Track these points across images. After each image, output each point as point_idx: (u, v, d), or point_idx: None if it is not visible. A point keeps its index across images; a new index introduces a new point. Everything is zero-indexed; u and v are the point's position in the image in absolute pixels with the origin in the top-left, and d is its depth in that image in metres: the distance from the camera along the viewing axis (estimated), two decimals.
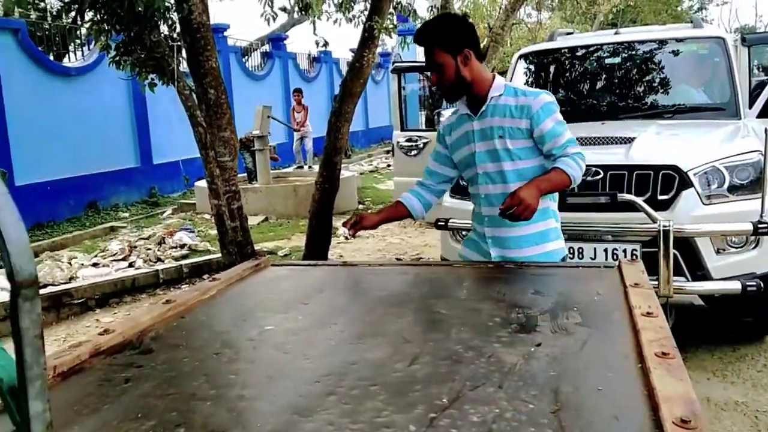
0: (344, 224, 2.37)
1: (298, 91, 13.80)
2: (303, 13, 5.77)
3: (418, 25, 7.71)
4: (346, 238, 2.36)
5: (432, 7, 7.30)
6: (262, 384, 1.23)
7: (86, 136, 9.84)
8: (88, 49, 10.45)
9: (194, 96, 4.45)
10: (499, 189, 2.27)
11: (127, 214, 9.93)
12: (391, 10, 5.37)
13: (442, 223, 3.70)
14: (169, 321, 1.60)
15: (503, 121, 2.24)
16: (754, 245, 3.32)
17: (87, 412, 1.11)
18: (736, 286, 3.22)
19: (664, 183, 3.33)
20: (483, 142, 2.28)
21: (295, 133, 14.06)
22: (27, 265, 0.34)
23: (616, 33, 5.15)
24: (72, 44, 10.84)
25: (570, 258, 3.42)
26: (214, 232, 6.60)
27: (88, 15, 4.44)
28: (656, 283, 3.15)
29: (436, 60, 2.23)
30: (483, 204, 2.34)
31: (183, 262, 6.32)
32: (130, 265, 6.45)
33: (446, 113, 4.87)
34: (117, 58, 4.60)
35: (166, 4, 4.04)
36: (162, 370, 1.29)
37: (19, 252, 0.34)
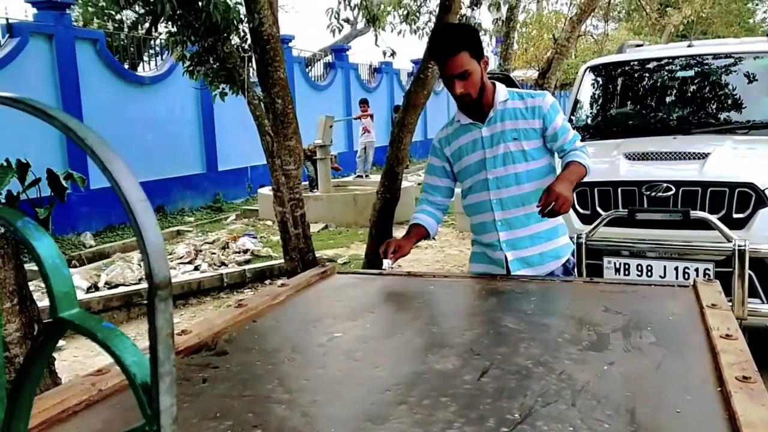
0: (385, 255, 2.29)
1: (365, 102, 14.14)
2: (370, 24, 5.85)
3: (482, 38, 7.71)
4: (391, 267, 2.28)
5: (497, 19, 7.27)
6: (333, 390, 1.25)
7: (156, 143, 10.21)
8: (162, 59, 10.87)
9: (262, 105, 4.57)
10: (513, 191, 2.32)
11: (192, 219, 10.24)
12: (456, 22, 5.38)
13: None
14: (241, 324, 1.64)
15: (516, 124, 2.31)
16: None
17: None
18: None
19: (740, 201, 3.21)
20: (494, 147, 2.31)
21: (359, 142, 14.27)
22: (163, 267, 0.37)
23: (689, 46, 5.00)
24: (146, 54, 11.31)
25: (638, 276, 3.34)
26: (275, 238, 6.74)
27: (163, 26, 4.63)
28: (730, 304, 3.03)
29: (465, 66, 2.18)
30: (496, 209, 2.34)
31: (246, 266, 6.46)
32: (196, 269, 6.65)
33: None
34: (191, 68, 4.77)
35: (239, 16, 4.17)
36: (237, 371, 1.33)
37: (157, 255, 0.36)
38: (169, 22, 4.54)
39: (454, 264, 6.85)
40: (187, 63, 4.77)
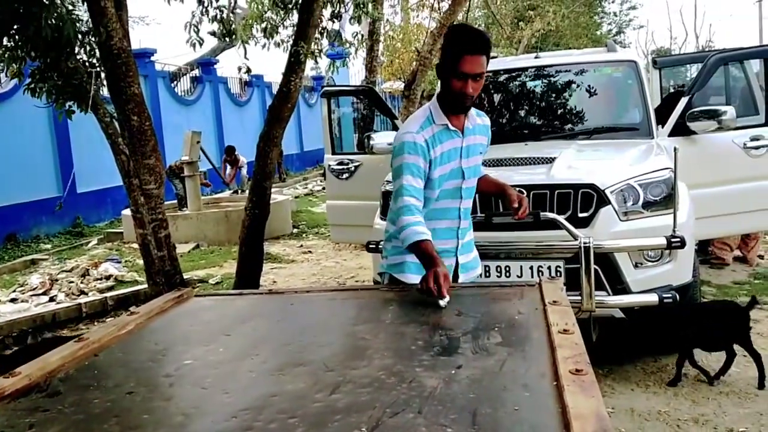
0: (439, 293, 1.89)
1: (230, 150, 13.30)
2: (227, 39, 5.73)
3: (347, 49, 7.77)
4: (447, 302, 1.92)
5: (358, 32, 7.38)
6: (177, 423, 1.19)
7: (3, 166, 9.40)
8: (6, 76, 10.03)
9: (116, 123, 4.33)
10: (469, 203, 2.48)
11: (49, 246, 9.51)
12: (318, 35, 5.40)
13: (374, 246, 3.71)
14: (80, 360, 1.53)
15: (481, 139, 2.46)
16: (669, 259, 3.47)
17: None
18: (653, 298, 3.36)
19: (584, 201, 3.45)
20: (469, 158, 2.39)
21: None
22: None
23: (536, 57, 5.33)
24: None
25: (498, 276, 3.50)
26: (142, 261, 6.40)
27: (3, 41, 4.26)
28: (579, 298, 3.25)
29: (483, 68, 2.24)
30: (463, 217, 2.45)
31: (108, 294, 6.08)
32: (51, 300, 6.16)
33: (376, 137, 4.91)
34: (32, 86, 4.43)
35: (83, 29, 3.93)
36: (70, 413, 1.23)
37: None
38: (5, 37, 4.19)
39: (331, 276, 6.84)
40: (27, 80, 4.42)
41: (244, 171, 13.51)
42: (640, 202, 3.49)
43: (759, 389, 3.41)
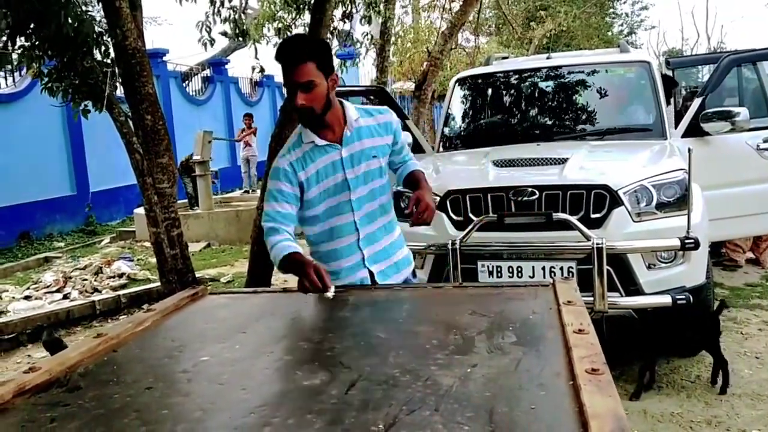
0: (324, 285, 1.95)
1: (248, 116, 13.94)
2: (239, 39, 5.76)
3: (359, 50, 7.78)
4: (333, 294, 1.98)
5: (368, 33, 7.39)
6: (195, 418, 1.20)
7: (18, 165, 9.49)
8: (20, 75, 10.12)
9: (130, 122, 4.36)
10: (372, 207, 2.31)
11: (62, 244, 9.59)
12: (329, 35, 5.41)
13: None
14: (99, 356, 1.55)
15: (374, 141, 2.28)
16: (682, 260, 3.46)
17: None
18: (666, 299, 3.35)
19: (597, 202, 3.44)
20: (355, 167, 2.24)
21: (240, 156, 14.02)
22: None
23: (548, 58, 5.33)
24: (2, 70, 10.48)
25: (510, 277, 3.50)
26: (154, 260, 6.44)
27: (20, 41, 4.31)
28: (592, 299, 3.24)
29: (310, 76, 2.07)
30: (360, 227, 2.28)
31: (121, 292, 6.12)
32: (65, 297, 6.21)
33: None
34: (49, 85, 4.47)
35: (98, 29, 3.96)
36: (90, 407, 1.24)
37: None
38: (23, 37, 4.24)
39: None
40: (45, 79, 4.47)
41: (254, 170, 13.59)
42: (654, 203, 3.48)
43: (720, 394, 3.38)
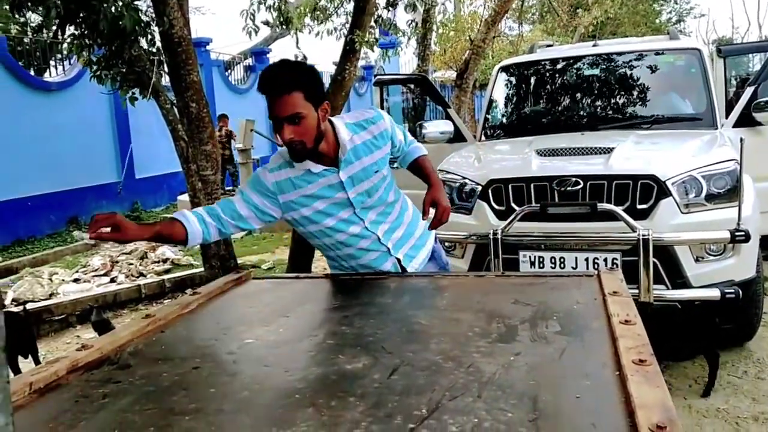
0: (92, 228, 1.87)
1: None
2: (284, 27, 5.80)
3: (400, 39, 7.75)
4: (92, 244, 2.00)
5: (412, 20, 7.35)
6: (241, 398, 1.22)
7: (67, 151, 9.77)
8: (69, 64, 10.40)
9: (175, 110, 4.45)
10: (382, 208, 2.26)
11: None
12: (372, 23, 5.40)
13: None
14: (148, 336, 1.59)
15: (373, 157, 2.18)
16: (731, 253, 3.36)
17: (63, 429, 1.10)
18: (714, 293, 3.26)
19: (643, 192, 3.37)
20: (357, 186, 2.15)
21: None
22: None
23: (594, 45, 5.22)
24: (53, 59, 10.79)
25: (552, 267, 3.45)
26: (198, 246, 6.56)
27: (69, 30, 4.43)
28: (637, 291, 3.18)
29: (297, 108, 1.93)
30: (375, 229, 2.23)
31: (165, 276, 6.27)
32: (112, 281, 6.40)
33: (429, 126, 4.90)
34: (98, 73, 4.59)
35: (145, 18, 4.04)
36: (140, 385, 1.28)
37: None
38: (73, 26, 4.35)
39: None
40: (95, 67, 4.58)
41: None
42: (703, 194, 3.38)
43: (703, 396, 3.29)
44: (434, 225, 2.19)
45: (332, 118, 2.13)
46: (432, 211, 2.22)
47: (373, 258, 2.29)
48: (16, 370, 3.43)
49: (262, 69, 14.09)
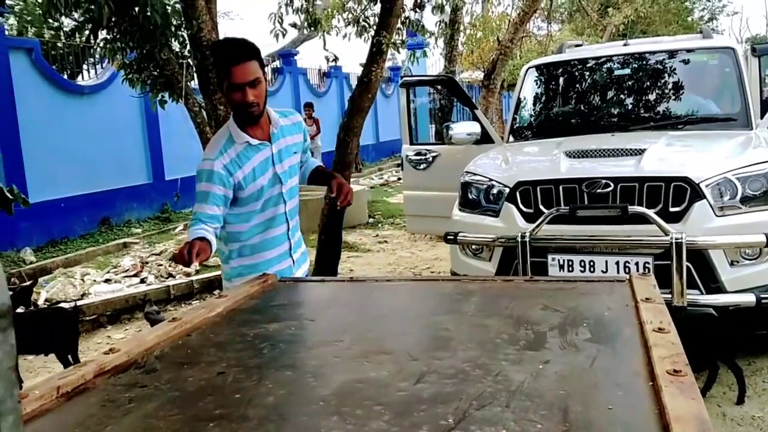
0: (188, 259, 2.07)
1: (309, 106, 14.01)
2: (312, 29, 5.81)
3: (428, 40, 7.72)
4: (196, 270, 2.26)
5: (441, 21, 7.31)
6: (268, 403, 1.21)
7: (99, 154, 9.92)
8: (102, 68, 10.57)
9: (204, 113, 4.48)
10: (295, 201, 2.53)
11: (139, 230, 9.99)
12: (399, 25, 5.39)
13: (452, 237, 3.68)
14: (174, 339, 1.59)
15: (293, 139, 2.48)
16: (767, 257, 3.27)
17: None
18: (750, 298, 3.17)
19: (676, 195, 3.29)
20: (283, 162, 2.41)
21: None
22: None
23: (625, 44, 5.13)
24: (86, 63, 10.98)
25: (581, 271, 3.40)
26: None
27: (102, 34, 4.50)
28: (669, 296, 3.11)
29: (257, 74, 2.22)
30: (290, 218, 2.48)
31: (194, 277, 6.33)
32: (142, 281, 6.48)
33: (456, 127, 4.86)
34: (130, 76, 4.65)
35: (176, 22, 4.08)
36: (166, 389, 1.28)
37: None
38: (106, 30, 4.42)
39: (406, 266, 6.86)
40: (127, 71, 4.65)
41: (319, 160, 13.77)
42: (738, 197, 3.30)
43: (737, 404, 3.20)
44: (342, 203, 2.40)
45: None
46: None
47: (275, 254, 2.45)
48: (67, 364, 3.53)
49: (288, 71, 14.13)
